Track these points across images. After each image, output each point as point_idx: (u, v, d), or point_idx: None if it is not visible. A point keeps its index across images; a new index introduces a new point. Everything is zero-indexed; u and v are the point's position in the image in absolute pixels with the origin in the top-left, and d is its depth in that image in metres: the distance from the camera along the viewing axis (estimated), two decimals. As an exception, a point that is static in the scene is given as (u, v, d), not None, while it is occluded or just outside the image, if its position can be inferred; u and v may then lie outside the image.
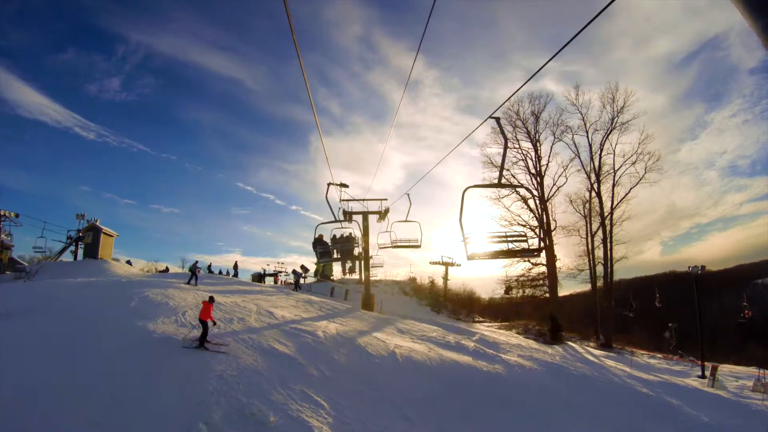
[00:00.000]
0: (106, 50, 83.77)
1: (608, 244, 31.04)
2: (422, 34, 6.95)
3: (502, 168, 8.61)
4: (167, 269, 37.37)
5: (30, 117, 72.66)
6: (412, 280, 42.66)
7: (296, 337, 13.86)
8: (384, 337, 16.11)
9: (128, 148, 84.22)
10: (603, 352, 26.62)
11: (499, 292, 38.04)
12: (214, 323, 12.58)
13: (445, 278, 42.34)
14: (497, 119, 8.10)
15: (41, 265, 33.67)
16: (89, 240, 35.59)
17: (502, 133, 8.72)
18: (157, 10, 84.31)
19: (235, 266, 37.37)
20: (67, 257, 36.47)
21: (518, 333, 29.30)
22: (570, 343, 27.67)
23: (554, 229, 31.63)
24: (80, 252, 36.13)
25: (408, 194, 19.75)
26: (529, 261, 33.70)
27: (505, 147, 8.60)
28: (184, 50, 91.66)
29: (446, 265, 42.25)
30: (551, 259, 30.74)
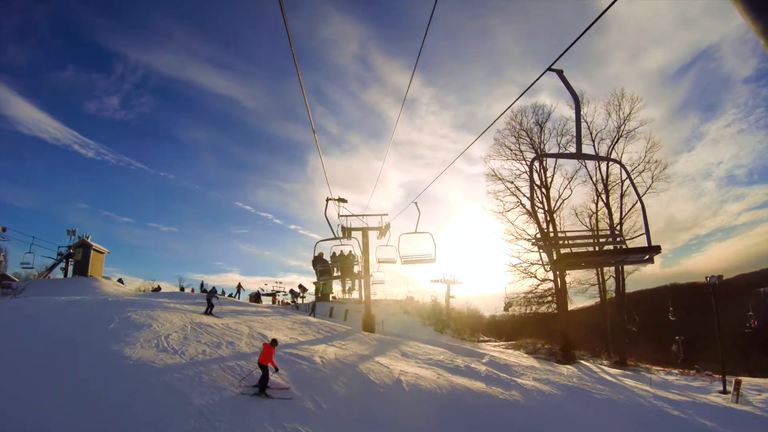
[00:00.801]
0: (105, 68, 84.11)
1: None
2: (417, 56, 6.75)
3: (579, 133, 6.38)
4: (159, 288, 35.98)
5: (29, 133, 72.60)
6: (410, 299, 41.23)
7: (291, 363, 12.48)
8: (387, 361, 14.70)
9: (127, 167, 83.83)
10: (619, 371, 25.14)
11: (500, 308, 36.72)
12: (276, 369, 11.02)
13: (447, 297, 40.97)
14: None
15: (29, 281, 32.36)
16: (79, 257, 34.31)
17: (570, 89, 6.22)
18: (156, 28, 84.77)
19: (239, 288, 35.86)
20: (58, 274, 35.27)
21: (527, 353, 27.79)
22: (582, 361, 26.20)
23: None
24: (71, 269, 34.91)
25: (416, 203, 17.97)
26: (535, 276, 32.43)
27: (578, 109, 6.59)
28: (182, 69, 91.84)
29: (448, 283, 40.92)
30: (562, 274, 29.40)
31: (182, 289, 36.04)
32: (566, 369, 20.54)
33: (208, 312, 19.62)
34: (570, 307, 33.17)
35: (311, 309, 29.76)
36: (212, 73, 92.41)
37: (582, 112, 32.12)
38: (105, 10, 78.77)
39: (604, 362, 28.58)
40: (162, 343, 12.64)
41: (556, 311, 32.18)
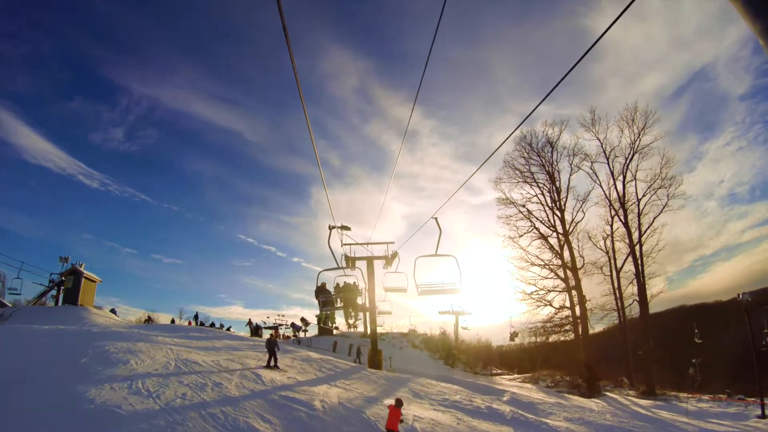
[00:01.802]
0: (110, 100, 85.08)
1: (641, 279, 27.75)
2: (417, 90, 7.01)
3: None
4: (149, 319, 33.93)
5: (35, 162, 72.75)
6: (412, 331, 38.99)
7: (286, 409, 10.62)
8: (398, 403, 12.78)
9: (130, 198, 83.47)
10: (650, 402, 22.87)
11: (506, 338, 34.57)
12: None
13: (456, 328, 38.76)
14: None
15: (17, 308, 30.73)
16: (69, 284, 32.65)
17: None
18: (161, 62, 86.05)
19: (249, 324, 33.46)
20: (51, 302, 33.61)
21: (548, 386, 25.46)
22: (607, 393, 23.88)
23: (582, 267, 28.48)
24: (62, 297, 33.32)
25: (436, 219, 13.54)
26: (551, 305, 30.45)
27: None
28: (186, 102, 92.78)
29: (456, 314, 38.78)
30: (581, 300, 27.38)
31: (173, 321, 33.99)
32: (594, 404, 18.36)
33: (272, 365, 15.72)
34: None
35: (356, 354, 26.78)
36: (216, 106, 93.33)
37: (594, 130, 31.11)
38: (111, 43, 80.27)
39: (630, 392, 26.20)
40: (136, 384, 10.86)
41: (571, 338, 30.16)
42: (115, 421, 8.54)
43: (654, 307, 29.58)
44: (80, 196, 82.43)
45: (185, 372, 12.79)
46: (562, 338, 32.06)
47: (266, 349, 16.49)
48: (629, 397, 23.38)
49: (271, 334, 18.56)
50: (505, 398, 16.76)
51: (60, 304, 32.79)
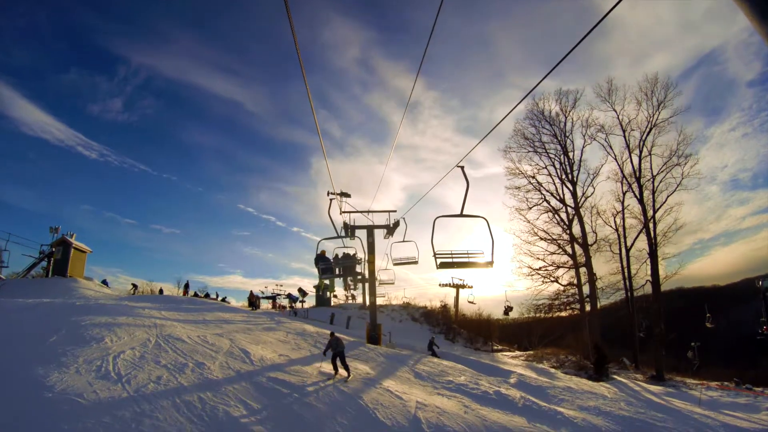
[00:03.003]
0: (108, 71, 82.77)
1: (655, 259, 26.46)
2: (421, 59, 6.67)
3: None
4: (135, 287, 32.55)
5: (33, 135, 71.23)
6: (406, 305, 38.06)
7: (274, 395, 9.45)
8: (399, 387, 11.68)
9: (130, 168, 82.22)
10: (660, 388, 21.99)
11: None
12: None
13: (456, 302, 37.87)
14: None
15: (4, 282, 29.63)
16: (59, 256, 31.41)
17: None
18: (158, 31, 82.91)
19: (251, 297, 31.95)
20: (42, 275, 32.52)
21: (553, 366, 24.58)
22: (616, 377, 23.01)
23: (593, 243, 27.14)
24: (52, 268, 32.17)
25: (462, 168, 9.10)
26: (558, 282, 29.29)
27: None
28: (185, 72, 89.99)
29: (457, 287, 37.79)
30: (591, 278, 26.19)
31: (161, 291, 32.82)
32: (606, 389, 17.39)
33: (339, 367, 11.94)
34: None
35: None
36: (215, 76, 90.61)
37: (610, 100, 29.24)
38: (107, 12, 77.32)
39: (637, 376, 25.39)
40: (106, 366, 9.66)
41: (570, 315, 29.33)
42: (72, 413, 7.32)
43: (650, 289, 28.59)
44: (79, 167, 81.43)
45: (165, 350, 11.62)
46: (562, 314, 31.32)
47: (329, 350, 11.99)
48: (638, 382, 22.51)
49: (332, 333, 12.53)
50: (512, 380, 15.73)
51: (50, 276, 31.72)
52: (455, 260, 9.24)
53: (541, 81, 5.00)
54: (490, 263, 9.27)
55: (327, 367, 12.21)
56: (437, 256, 9.06)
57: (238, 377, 10.21)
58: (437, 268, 9.15)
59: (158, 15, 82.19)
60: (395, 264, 21.35)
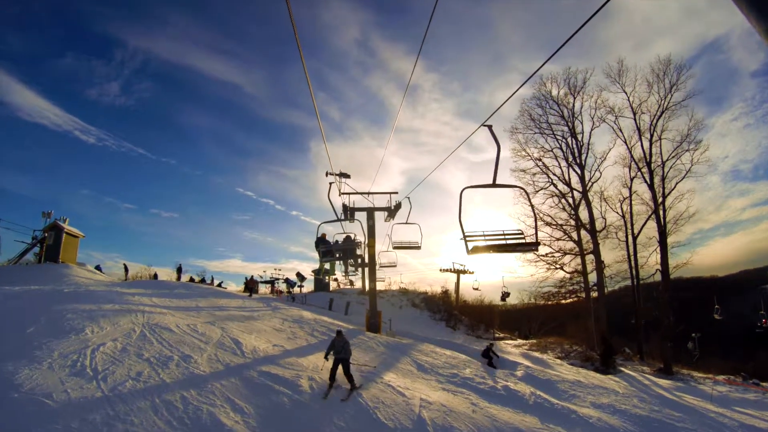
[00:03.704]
0: (104, 55, 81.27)
1: (665, 248, 25.59)
2: (422, 41, 6.22)
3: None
4: (126, 271, 31.42)
5: (30, 120, 70.11)
6: (405, 290, 37.37)
7: (265, 392, 8.66)
8: (401, 382, 10.90)
9: (128, 152, 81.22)
10: (669, 382, 21.34)
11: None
12: None
13: (457, 287, 37.20)
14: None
15: (-5, 269, 28.78)
16: (50, 241, 30.50)
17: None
18: (154, 14, 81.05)
19: (250, 282, 31.02)
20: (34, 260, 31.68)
21: (558, 356, 23.93)
22: (623, 369, 22.38)
23: (602, 229, 26.24)
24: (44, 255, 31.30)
25: (490, 127, 6.80)
26: (563, 269, 28.50)
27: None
28: (182, 55, 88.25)
29: (458, 272, 37.06)
30: (599, 266, 25.36)
31: (155, 276, 31.97)
32: (615, 383, 16.72)
33: (340, 374, 9.88)
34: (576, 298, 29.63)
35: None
36: (212, 58, 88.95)
37: (620, 81, 28.07)
38: None
39: (644, 368, 24.77)
40: (83, 360, 8.84)
41: (570, 302, 28.72)
42: (37, 416, 6.51)
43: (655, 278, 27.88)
44: (77, 152, 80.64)
45: (150, 341, 10.79)
46: (563, 301, 30.71)
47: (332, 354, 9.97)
48: (646, 375, 21.86)
49: (339, 333, 10.33)
50: (519, 373, 15.02)
51: (42, 262, 30.88)
52: (491, 242, 6.92)
53: (543, 65, 4.79)
54: (535, 245, 7.39)
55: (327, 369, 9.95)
56: (468, 238, 6.62)
57: (226, 372, 9.41)
58: (468, 253, 6.59)
59: (155, -3, 79.97)
60: (395, 248, 20.40)
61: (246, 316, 16.82)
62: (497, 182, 6.25)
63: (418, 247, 19.56)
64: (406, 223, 18.35)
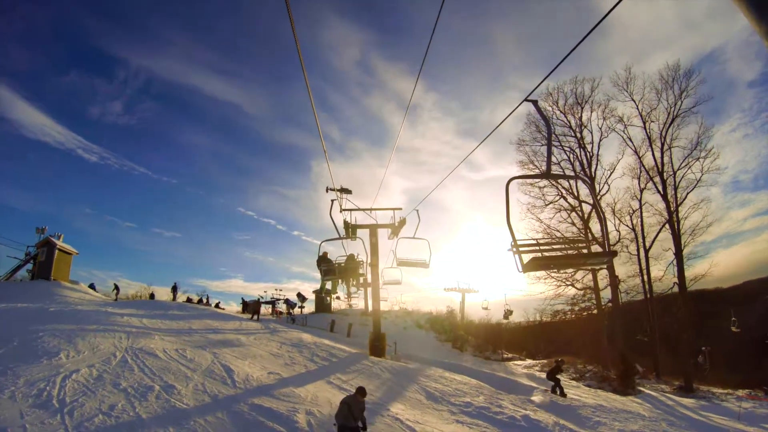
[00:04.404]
0: (107, 74, 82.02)
1: (681, 259, 24.51)
2: (422, 62, 6.07)
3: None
4: (116, 289, 29.97)
5: (33, 137, 70.50)
6: (408, 311, 36.18)
7: (255, 430, 7.55)
8: (410, 413, 9.77)
9: (130, 171, 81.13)
10: (692, 401, 20.03)
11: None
12: None
13: (462, 307, 35.90)
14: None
15: (-14, 285, 27.75)
16: (42, 257, 29.52)
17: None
18: (156, 33, 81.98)
19: (254, 304, 29.57)
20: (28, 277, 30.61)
21: (573, 378, 22.58)
22: (642, 388, 21.02)
23: (616, 242, 25.19)
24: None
25: (534, 102, 5.89)
26: (573, 286, 27.35)
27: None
28: (183, 74, 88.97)
29: (463, 291, 35.82)
30: (613, 281, 24.22)
31: (152, 296, 30.85)
32: (639, 406, 15.45)
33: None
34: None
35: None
36: (213, 78, 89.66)
37: (629, 89, 27.44)
38: (106, 14, 76.25)
39: (663, 387, 23.39)
40: (50, 390, 7.79)
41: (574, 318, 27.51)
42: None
43: (658, 290, 26.78)
44: (79, 170, 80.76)
45: (131, 368, 9.71)
46: (566, 318, 29.63)
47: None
48: (667, 395, 20.53)
49: (361, 392, 7.72)
50: (536, 399, 13.79)
51: (34, 279, 29.85)
52: (556, 254, 5.23)
53: (541, 83, 4.75)
54: (611, 254, 5.43)
55: None
56: (522, 248, 4.82)
57: (213, 405, 8.30)
58: (522, 269, 4.66)
59: (156, 16, 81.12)
60: (400, 265, 19.15)
61: (242, 339, 15.70)
62: (552, 173, 4.88)
63: (426, 265, 18.09)
64: (413, 237, 17.19)
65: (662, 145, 25.73)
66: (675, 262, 24.49)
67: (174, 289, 30.45)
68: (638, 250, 26.52)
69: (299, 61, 4.59)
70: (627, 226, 27.03)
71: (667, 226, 25.35)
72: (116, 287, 29.56)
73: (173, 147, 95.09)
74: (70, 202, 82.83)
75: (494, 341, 32.66)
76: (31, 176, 77.49)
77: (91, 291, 30.19)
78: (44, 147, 73.36)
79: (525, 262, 4.75)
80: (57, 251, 29.51)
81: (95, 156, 77.66)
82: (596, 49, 64.00)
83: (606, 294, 25.93)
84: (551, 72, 4.56)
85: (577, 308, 26.78)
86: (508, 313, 30.28)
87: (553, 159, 27.51)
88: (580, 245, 5.63)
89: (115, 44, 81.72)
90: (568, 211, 26.51)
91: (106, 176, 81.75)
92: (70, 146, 76.23)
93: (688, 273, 25.54)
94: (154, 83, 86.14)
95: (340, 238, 18.31)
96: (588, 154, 26.34)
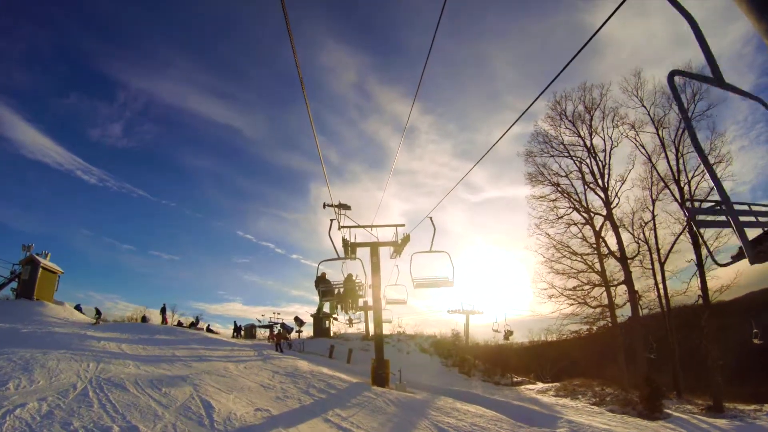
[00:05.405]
0: (107, 96, 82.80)
1: (703, 272, 23.08)
2: (418, 85, 6.48)
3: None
4: (98, 313, 28.18)
5: (33, 158, 70.92)
6: (408, 335, 34.56)
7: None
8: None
9: (129, 194, 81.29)
10: (725, 422, 18.29)
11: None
12: None
13: (467, 329, 34.36)
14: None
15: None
16: (26, 276, 28.08)
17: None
18: (156, 56, 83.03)
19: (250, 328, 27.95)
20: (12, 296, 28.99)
21: (593, 403, 20.77)
22: (670, 411, 19.22)
23: (635, 255, 23.75)
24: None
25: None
26: (587, 303, 25.83)
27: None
28: (183, 98, 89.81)
29: (467, 313, 34.20)
30: (632, 297, 22.68)
31: (144, 319, 29.17)
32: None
33: None
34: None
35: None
36: (213, 102, 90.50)
37: (640, 95, 26.29)
38: (107, 37, 77.39)
39: (691, 408, 21.60)
40: (-19, 435, 6.26)
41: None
42: None
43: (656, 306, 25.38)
44: (79, 191, 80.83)
45: (90, 403, 8.15)
46: (566, 337, 28.30)
47: None
48: (697, 416, 18.78)
49: None
50: (562, 431, 12.14)
51: (17, 298, 28.31)
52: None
53: (533, 103, 4.93)
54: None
55: None
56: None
57: (182, 453, 6.75)
58: (753, 258, 2.90)
59: (156, 40, 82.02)
60: (417, 287, 17.00)
61: (230, 368, 14.11)
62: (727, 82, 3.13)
63: (450, 284, 15.50)
64: (430, 252, 15.17)
65: (676, 152, 24.70)
66: (698, 273, 23.04)
67: (163, 311, 28.76)
68: (652, 263, 25.14)
69: (299, 83, 4.73)
70: (641, 239, 25.72)
71: (685, 236, 24.00)
72: (98, 311, 27.96)
73: (172, 170, 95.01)
74: (69, 223, 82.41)
75: (501, 364, 30.97)
76: (30, 197, 77.28)
77: (76, 312, 28.69)
78: (44, 168, 73.27)
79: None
80: (41, 270, 28.13)
81: (94, 178, 77.45)
82: (591, 69, 64.45)
83: (622, 311, 24.43)
84: (543, 92, 4.65)
85: (595, 327, 25.09)
86: (508, 334, 29.09)
87: (561, 172, 26.39)
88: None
89: (115, 66, 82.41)
90: (583, 223, 25.18)
91: (105, 198, 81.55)
92: (69, 167, 76.05)
93: (683, 287, 24.40)
94: (153, 106, 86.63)
95: (339, 258, 16.94)
96: (600, 163, 25.20)
